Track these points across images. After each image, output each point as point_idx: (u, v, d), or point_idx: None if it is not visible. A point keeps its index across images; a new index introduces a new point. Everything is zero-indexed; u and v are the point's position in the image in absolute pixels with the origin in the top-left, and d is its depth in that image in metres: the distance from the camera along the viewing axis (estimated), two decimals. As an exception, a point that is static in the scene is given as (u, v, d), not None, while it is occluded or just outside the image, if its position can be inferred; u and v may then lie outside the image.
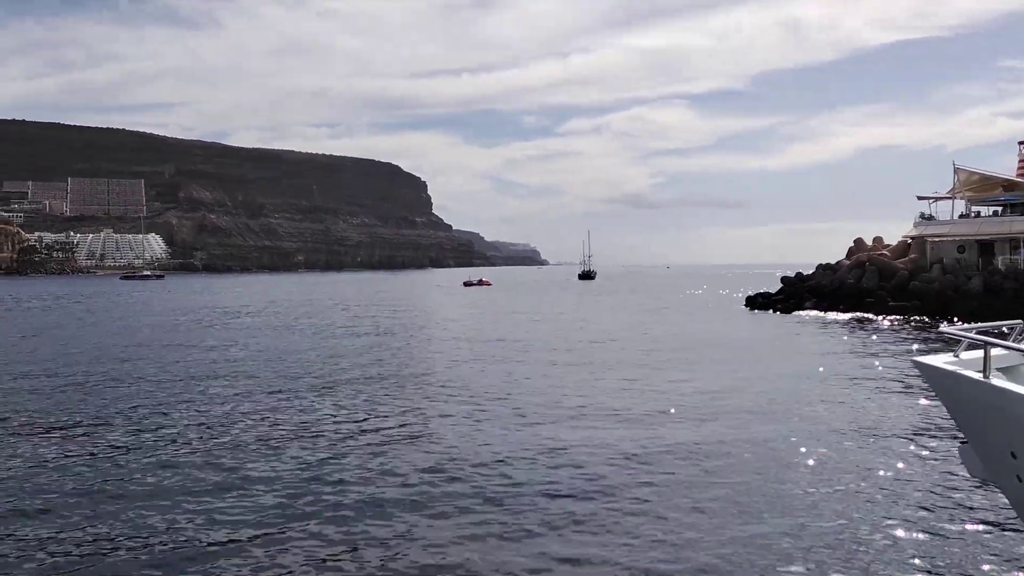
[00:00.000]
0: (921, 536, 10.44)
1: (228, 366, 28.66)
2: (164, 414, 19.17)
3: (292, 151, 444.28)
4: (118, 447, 15.77)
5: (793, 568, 9.42)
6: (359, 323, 50.63)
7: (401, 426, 17.79)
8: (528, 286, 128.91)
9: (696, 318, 53.48)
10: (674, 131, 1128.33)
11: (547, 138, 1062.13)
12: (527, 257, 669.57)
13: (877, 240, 60.45)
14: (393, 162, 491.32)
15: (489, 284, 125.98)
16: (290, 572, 9.52)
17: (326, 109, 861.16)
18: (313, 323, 50.66)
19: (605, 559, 9.81)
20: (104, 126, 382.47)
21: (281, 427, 17.73)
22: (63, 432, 17.16)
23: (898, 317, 46.88)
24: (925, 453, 14.81)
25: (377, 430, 17.34)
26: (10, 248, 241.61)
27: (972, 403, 7.61)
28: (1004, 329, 8.57)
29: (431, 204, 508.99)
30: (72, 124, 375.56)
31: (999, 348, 7.40)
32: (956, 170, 55.47)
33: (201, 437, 16.67)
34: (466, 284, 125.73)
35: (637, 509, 11.68)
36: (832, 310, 51.92)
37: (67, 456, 14.97)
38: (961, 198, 55.60)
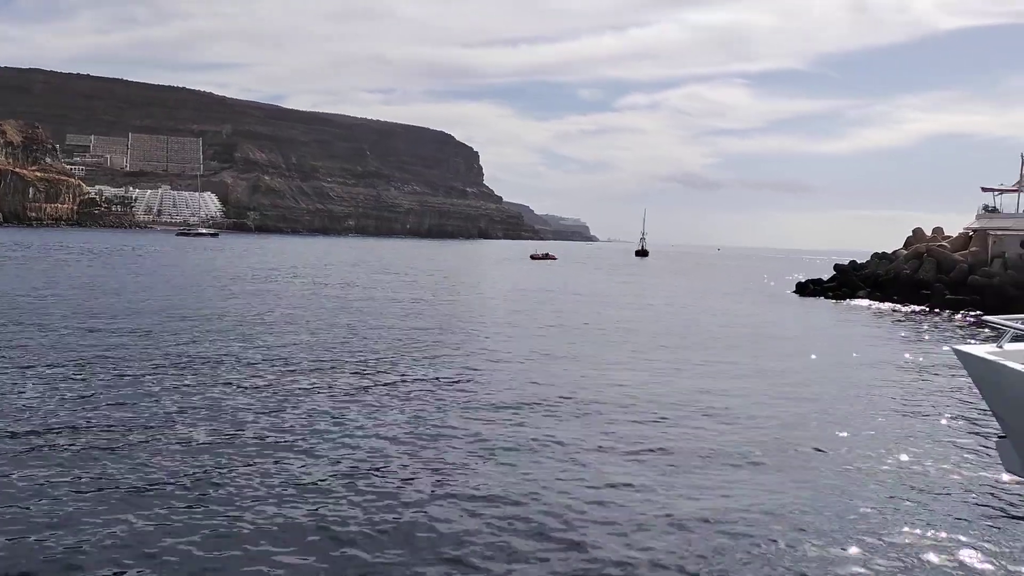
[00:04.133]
0: (953, 533, 10.20)
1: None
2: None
3: (345, 115, 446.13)
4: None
5: (830, 569, 9.24)
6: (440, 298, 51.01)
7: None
8: (591, 262, 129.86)
9: (746, 302, 52.79)
10: (731, 111, 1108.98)
11: (602, 112, 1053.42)
12: (576, 232, 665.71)
13: (937, 231, 58.73)
14: (445, 131, 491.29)
15: (555, 258, 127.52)
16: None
17: (382, 75, 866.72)
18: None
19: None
20: (166, 84, 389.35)
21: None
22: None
23: (954, 312, 45.66)
24: (961, 446, 14.51)
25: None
26: (71, 200, 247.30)
27: (1013, 396, 7.40)
28: None
29: (482, 175, 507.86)
30: (135, 80, 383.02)
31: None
32: (1024, 162, 53.66)
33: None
34: (533, 257, 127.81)
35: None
36: (885, 301, 50.82)
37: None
38: (1027, 191, 53.80)
